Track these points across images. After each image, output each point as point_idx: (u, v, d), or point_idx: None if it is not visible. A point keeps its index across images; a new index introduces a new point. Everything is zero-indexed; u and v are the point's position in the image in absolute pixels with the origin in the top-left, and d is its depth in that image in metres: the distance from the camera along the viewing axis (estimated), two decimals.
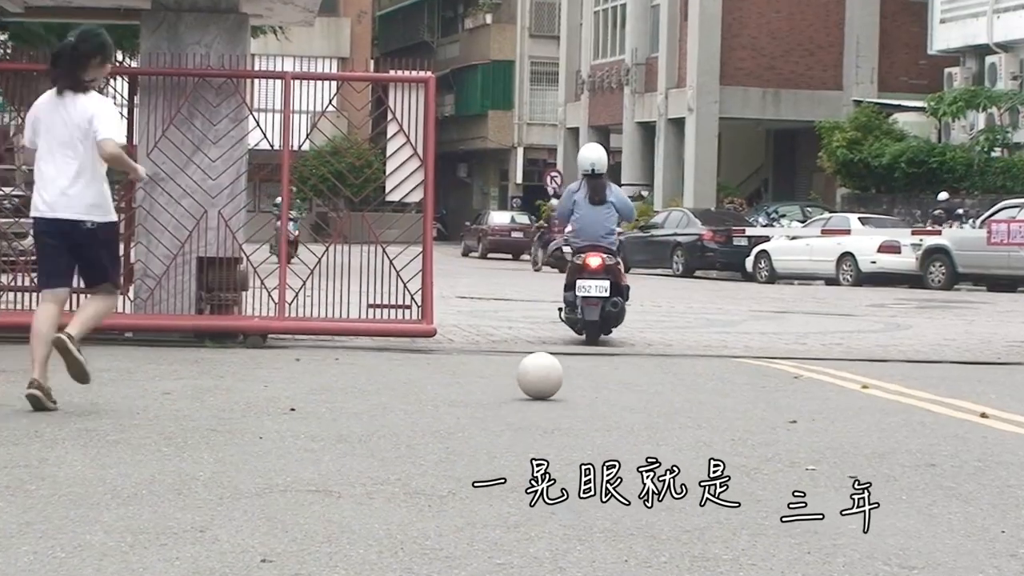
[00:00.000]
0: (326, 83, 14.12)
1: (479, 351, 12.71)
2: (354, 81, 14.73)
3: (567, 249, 14.63)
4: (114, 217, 8.45)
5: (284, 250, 13.11)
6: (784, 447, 7.39)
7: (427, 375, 10.59)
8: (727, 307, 21.45)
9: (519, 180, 63.70)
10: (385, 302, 13.06)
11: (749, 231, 36.03)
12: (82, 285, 8.64)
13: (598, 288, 13.81)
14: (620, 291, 14.06)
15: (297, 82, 13.24)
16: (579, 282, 13.88)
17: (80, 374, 8.17)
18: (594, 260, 13.97)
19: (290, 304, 12.93)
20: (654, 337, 14.66)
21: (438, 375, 10.60)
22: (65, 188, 8.19)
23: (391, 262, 12.95)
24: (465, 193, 68.81)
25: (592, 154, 14.68)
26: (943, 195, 35.20)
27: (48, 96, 8.36)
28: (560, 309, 14.23)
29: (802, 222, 37.28)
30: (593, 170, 14.44)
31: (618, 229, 14.50)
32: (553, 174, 54.18)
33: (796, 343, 14.43)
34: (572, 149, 52.91)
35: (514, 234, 50.43)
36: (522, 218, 52.24)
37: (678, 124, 46.68)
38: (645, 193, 44.31)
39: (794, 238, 34.06)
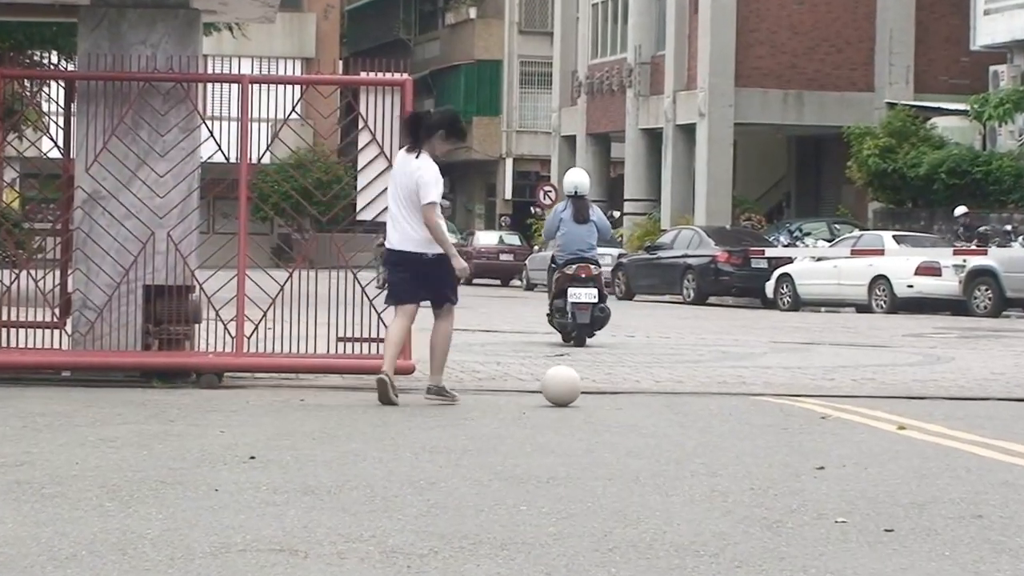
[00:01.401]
0: (289, 87, 14.12)
1: (464, 390, 12.70)
2: (321, 84, 14.75)
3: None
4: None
5: (242, 276, 13.08)
6: (811, 496, 7.40)
7: (405, 418, 10.59)
8: (745, 338, 21.48)
9: (508, 196, 63.79)
10: (356, 335, 13.06)
11: (769, 252, 36.11)
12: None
13: (587, 295, 18.00)
14: (604, 298, 18.25)
15: (256, 86, 13.26)
16: (570, 290, 17.96)
17: (385, 395, 11.18)
18: (583, 271, 18.04)
19: (249, 338, 12.93)
20: (662, 373, 14.68)
21: (417, 418, 10.61)
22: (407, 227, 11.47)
23: (363, 289, 12.96)
24: (447, 211, 68.93)
25: (575, 178, 19.05)
26: (961, 209, 35.18)
27: (401, 152, 11.70)
28: (548, 315, 18.62)
29: (829, 241, 37.36)
30: (576, 192, 18.63)
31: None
32: (547, 188, 54.18)
33: (823, 378, 14.45)
34: (568, 160, 52.99)
35: (503, 257, 50.54)
36: (512, 239, 52.27)
37: (688, 131, 46.81)
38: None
39: (820, 259, 34.13)
